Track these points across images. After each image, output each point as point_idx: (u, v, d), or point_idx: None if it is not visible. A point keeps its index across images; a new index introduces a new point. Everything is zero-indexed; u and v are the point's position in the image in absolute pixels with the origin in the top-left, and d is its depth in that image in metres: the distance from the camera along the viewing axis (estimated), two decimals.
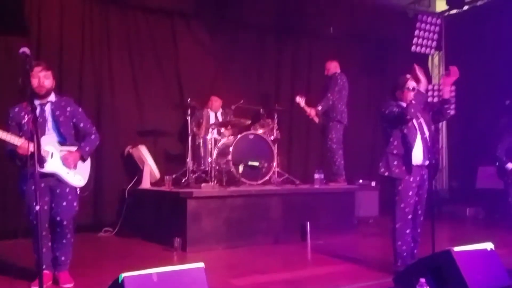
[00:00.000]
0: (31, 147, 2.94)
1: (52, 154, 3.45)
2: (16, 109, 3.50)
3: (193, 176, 5.92)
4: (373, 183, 7.16)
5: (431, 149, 3.71)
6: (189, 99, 6.15)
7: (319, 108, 6.18)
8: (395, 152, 3.76)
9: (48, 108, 3.54)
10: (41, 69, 3.45)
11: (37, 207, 2.49)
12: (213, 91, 6.80)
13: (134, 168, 6.28)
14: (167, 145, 6.79)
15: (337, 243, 5.43)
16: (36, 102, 3.44)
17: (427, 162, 3.76)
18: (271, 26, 7.52)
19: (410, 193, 3.74)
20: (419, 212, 3.87)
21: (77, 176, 3.57)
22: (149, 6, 6.56)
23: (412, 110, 3.65)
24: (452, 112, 8.39)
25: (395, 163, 3.75)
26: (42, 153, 3.35)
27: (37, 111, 3.36)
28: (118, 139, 6.40)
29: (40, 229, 2.81)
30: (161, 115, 6.67)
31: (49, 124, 3.52)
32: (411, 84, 3.73)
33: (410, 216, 3.77)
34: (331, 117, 6.25)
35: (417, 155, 3.73)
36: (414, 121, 3.74)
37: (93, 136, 3.69)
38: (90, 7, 6.25)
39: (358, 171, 7.35)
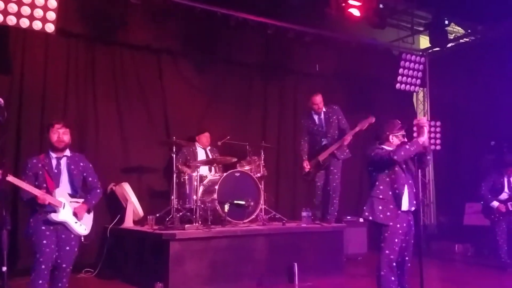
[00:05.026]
0: (48, 199, 3.68)
1: (64, 205, 3.81)
2: (34, 160, 3.87)
3: (178, 215, 5.77)
4: (361, 219, 7.06)
5: (416, 195, 3.67)
6: (174, 137, 6.08)
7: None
8: (380, 196, 3.71)
9: (63, 162, 3.92)
10: (60, 126, 3.90)
11: (4, 268, 2.52)
12: (200, 128, 6.73)
13: (117, 206, 6.13)
14: (152, 182, 6.67)
15: (325, 284, 5.30)
16: (53, 155, 3.91)
17: (413, 208, 3.72)
18: (258, 64, 7.57)
19: (396, 240, 3.67)
20: (406, 258, 3.79)
21: (83, 226, 3.94)
22: (135, 44, 6.56)
23: (403, 153, 3.61)
24: (437, 148, 8.48)
25: (380, 208, 3.69)
26: (57, 204, 3.77)
27: (54, 164, 3.88)
28: (101, 176, 6.10)
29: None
30: (146, 152, 6.58)
31: (63, 177, 3.90)
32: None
33: (394, 264, 3.69)
34: (336, 154, 6.03)
35: (404, 201, 3.68)
36: (401, 166, 3.70)
37: (98, 190, 4.12)
38: (76, 44, 6.24)
39: (345, 207, 7.26)
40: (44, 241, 3.71)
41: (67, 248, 3.82)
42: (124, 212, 6.00)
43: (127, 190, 6.08)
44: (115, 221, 5.97)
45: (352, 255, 6.83)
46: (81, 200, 3.95)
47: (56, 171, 3.86)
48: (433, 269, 6.46)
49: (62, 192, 3.85)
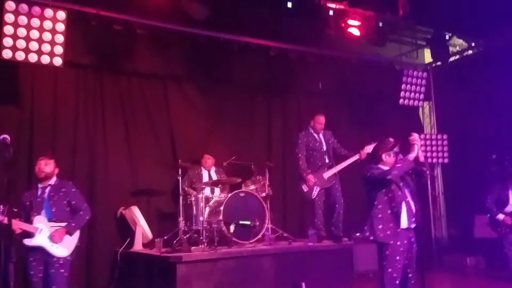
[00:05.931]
0: (20, 226, 3.99)
1: (41, 230, 4.07)
2: (26, 194, 4.27)
3: (185, 237, 5.87)
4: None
5: (416, 212, 3.72)
6: (180, 160, 6.21)
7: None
8: (379, 215, 3.77)
9: (47, 191, 4.23)
10: (42, 158, 4.27)
11: None
12: (206, 149, 6.87)
13: (127, 229, 6.27)
14: (160, 205, 6.77)
15: None
16: (39, 186, 4.25)
17: (413, 225, 3.77)
18: (261, 86, 7.69)
19: (398, 257, 3.71)
20: (410, 275, 3.82)
21: (61, 248, 4.13)
22: (141, 71, 6.75)
23: (395, 172, 3.69)
24: (445, 161, 8.46)
25: (380, 227, 3.75)
26: (32, 230, 4.04)
27: (39, 193, 4.22)
28: (111, 200, 6.41)
29: None
30: (154, 176, 6.70)
31: (45, 204, 4.17)
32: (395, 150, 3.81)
33: (398, 281, 3.72)
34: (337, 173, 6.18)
35: (403, 219, 3.73)
36: (398, 184, 3.77)
37: (81, 212, 4.30)
38: (84, 74, 6.45)
39: (354, 224, 7.26)
40: (32, 272, 4.10)
41: (52, 270, 4.07)
42: (134, 235, 6.12)
43: (136, 213, 6.21)
44: (125, 244, 6.09)
45: (363, 272, 6.79)
46: (63, 224, 4.16)
47: (39, 199, 4.18)
48: (445, 283, 6.42)
49: (42, 218, 4.12)
